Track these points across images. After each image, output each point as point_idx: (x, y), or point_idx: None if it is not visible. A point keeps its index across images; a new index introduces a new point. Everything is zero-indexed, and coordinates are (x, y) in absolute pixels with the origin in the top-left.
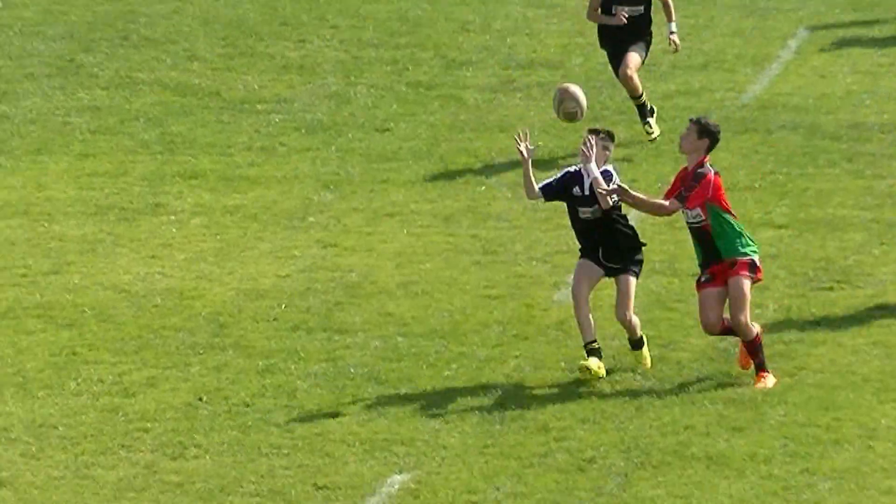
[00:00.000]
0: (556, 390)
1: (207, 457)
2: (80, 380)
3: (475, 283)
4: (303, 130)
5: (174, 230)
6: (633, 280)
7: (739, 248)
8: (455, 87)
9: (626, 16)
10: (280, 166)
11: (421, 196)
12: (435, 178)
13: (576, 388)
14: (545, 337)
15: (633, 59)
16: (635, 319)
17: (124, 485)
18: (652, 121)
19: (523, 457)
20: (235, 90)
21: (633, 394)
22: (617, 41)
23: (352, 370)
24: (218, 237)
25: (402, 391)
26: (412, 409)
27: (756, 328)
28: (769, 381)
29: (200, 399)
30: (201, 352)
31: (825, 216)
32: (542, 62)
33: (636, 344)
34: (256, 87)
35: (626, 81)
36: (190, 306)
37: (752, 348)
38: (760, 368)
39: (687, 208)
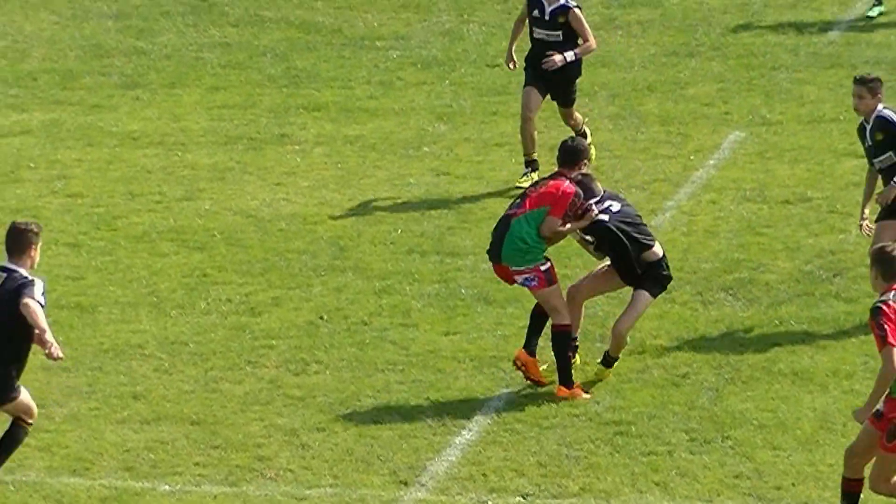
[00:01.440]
0: (654, 310)
1: (328, 372)
2: (209, 299)
3: None
4: (418, 65)
5: (298, 159)
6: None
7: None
8: None
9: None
10: (397, 99)
11: None
12: (541, 110)
13: (669, 310)
14: None
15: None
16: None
17: (250, 398)
18: (534, 175)
19: (622, 373)
20: (356, 27)
21: (725, 314)
22: (536, 69)
23: (463, 291)
24: (339, 165)
25: (510, 311)
26: (519, 327)
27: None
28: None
29: (321, 318)
30: (322, 273)
31: None
32: (642, 1)
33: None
34: (376, 24)
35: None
36: (312, 230)
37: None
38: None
39: None
